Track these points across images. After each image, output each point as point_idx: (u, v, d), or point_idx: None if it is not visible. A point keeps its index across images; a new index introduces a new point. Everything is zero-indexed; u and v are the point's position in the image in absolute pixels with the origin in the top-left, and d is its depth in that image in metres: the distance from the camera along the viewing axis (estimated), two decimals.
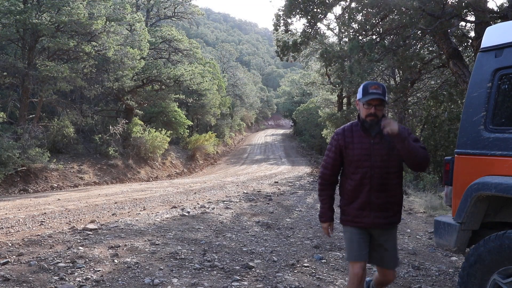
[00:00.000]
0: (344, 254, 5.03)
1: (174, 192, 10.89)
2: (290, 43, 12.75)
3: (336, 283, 4.02)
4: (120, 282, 3.69)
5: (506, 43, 2.75)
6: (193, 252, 4.75)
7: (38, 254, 4.37)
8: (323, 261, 4.73)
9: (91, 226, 5.79)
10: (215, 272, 4.11)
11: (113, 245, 4.78)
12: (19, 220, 6.45)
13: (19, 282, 3.57)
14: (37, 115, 15.24)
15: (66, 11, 13.50)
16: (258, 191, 11.24)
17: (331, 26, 21.60)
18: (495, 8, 8.89)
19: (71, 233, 5.37)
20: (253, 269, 4.24)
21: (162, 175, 20.60)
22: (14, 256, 4.28)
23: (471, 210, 2.75)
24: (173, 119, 23.75)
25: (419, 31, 9.03)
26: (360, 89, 2.62)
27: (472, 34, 10.72)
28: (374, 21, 9.91)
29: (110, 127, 18.46)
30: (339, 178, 2.85)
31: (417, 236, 6.35)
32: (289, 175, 18.13)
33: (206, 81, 24.52)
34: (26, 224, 6.11)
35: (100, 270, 3.94)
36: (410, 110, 17.22)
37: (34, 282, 3.59)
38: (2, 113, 13.48)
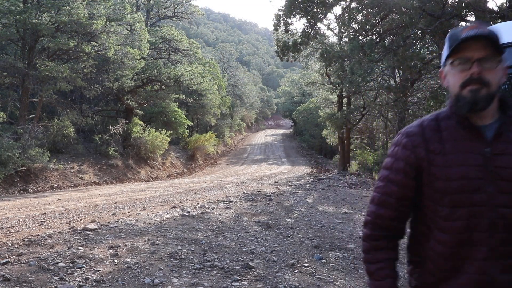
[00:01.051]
0: (344, 254, 5.03)
1: (174, 192, 10.89)
2: (290, 43, 12.76)
3: (336, 283, 4.02)
4: (120, 282, 3.69)
5: (506, 43, 2.75)
6: (193, 252, 4.75)
7: (38, 254, 4.37)
8: (323, 261, 4.73)
9: (91, 226, 5.79)
10: (215, 272, 4.11)
11: (113, 245, 4.78)
12: (19, 220, 6.45)
13: (19, 282, 3.57)
14: (37, 115, 15.24)
15: (66, 11, 13.51)
16: (258, 191, 11.24)
17: (331, 26, 21.64)
18: (495, 8, 8.90)
19: (71, 233, 5.37)
20: (253, 269, 4.24)
21: (162, 175, 20.61)
22: (14, 256, 4.28)
23: None
24: (173, 119, 23.78)
25: (419, 31, 9.04)
26: (445, 45, 1.33)
27: None
28: (374, 21, 9.93)
29: (110, 127, 18.48)
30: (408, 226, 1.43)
31: None
32: (289, 175, 18.14)
33: (206, 81, 24.54)
34: (26, 224, 6.11)
35: (100, 270, 3.94)
36: (410, 110, 17.22)
37: (34, 282, 3.59)
38: (2, 113, 13.49)
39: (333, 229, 6.52)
